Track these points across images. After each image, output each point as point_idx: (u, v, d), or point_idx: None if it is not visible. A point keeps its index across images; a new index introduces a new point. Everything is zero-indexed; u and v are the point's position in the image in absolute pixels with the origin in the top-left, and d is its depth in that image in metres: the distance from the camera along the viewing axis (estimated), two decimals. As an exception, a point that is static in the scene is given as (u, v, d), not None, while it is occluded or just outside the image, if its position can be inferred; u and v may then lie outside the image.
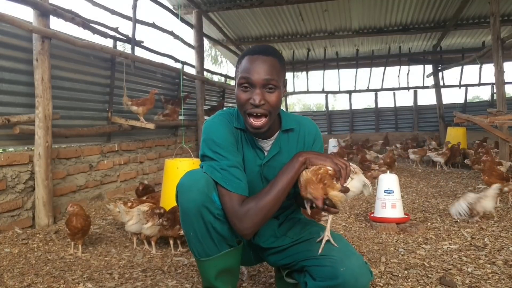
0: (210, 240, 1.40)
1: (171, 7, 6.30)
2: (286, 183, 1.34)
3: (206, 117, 6.88)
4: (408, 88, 10.36)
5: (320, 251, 1.34)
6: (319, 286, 1.31)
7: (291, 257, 1.47)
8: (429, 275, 1.97)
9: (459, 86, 10.04)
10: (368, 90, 10.74)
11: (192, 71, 6.70)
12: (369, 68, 10.47)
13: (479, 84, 9.87)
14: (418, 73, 10.50)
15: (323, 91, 10.73)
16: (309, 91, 10.71)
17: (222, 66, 18.39)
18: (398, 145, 7.27)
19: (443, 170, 5.70)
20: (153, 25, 5.54)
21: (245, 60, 1.37)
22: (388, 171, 3.22)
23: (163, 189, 2.95)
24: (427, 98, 12.32)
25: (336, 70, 10.53)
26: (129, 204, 2.64)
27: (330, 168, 1.31)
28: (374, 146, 7.87)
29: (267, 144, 1.51)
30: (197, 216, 1.37)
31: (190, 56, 11.31)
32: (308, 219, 1.67)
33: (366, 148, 7.59)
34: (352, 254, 1.30)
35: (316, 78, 28.36)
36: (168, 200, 2.75)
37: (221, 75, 9.73)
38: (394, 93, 10.75)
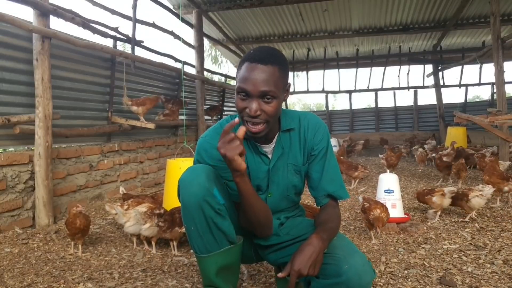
0: (211, 235, 1.41)
1: (171, 7, 6.30)
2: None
3: (206, 117, 6.89)
4: (408, 88, 10.36)
5: None
6: (322, 284, 1.31)
7: None
8: (429, 275, 1.97)
9: (459, 85, 10.03)
10: (368, 90, 10.73)
11: (192, 71, 6.70)
12: (369, 68, 10.46)
13: (479, 84, 9.87)
14: (418, 73, 10.52)
15: (323, 91, 10.72)
16: (309, 91, 10.70)
17: (222, 66, 18.40)
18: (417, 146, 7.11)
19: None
20: (153, 25, 5.53)
21: (244, 67, 1.33)
22: (388, 171, 3.22)
23: (165, 190, 2.94)
24: (427, 98, 12.39)
25: (336, 70, 10.52)
26: (126, 206, 2.62)
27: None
28: (356, 145, 7.84)
29: (270, 149, 1.51)
30: (198, 210, 1.37)
31: (190, 56, 11.29)
32: (311, 220, 1.66)
33: (349, 149, 7.58)
34: (355, 252, 1.30)
35: (316, 78, 28.48)
36: (171, 200, 2.74)
37: (221, 75, 9.73)
38: (394, 93, 10.76)
